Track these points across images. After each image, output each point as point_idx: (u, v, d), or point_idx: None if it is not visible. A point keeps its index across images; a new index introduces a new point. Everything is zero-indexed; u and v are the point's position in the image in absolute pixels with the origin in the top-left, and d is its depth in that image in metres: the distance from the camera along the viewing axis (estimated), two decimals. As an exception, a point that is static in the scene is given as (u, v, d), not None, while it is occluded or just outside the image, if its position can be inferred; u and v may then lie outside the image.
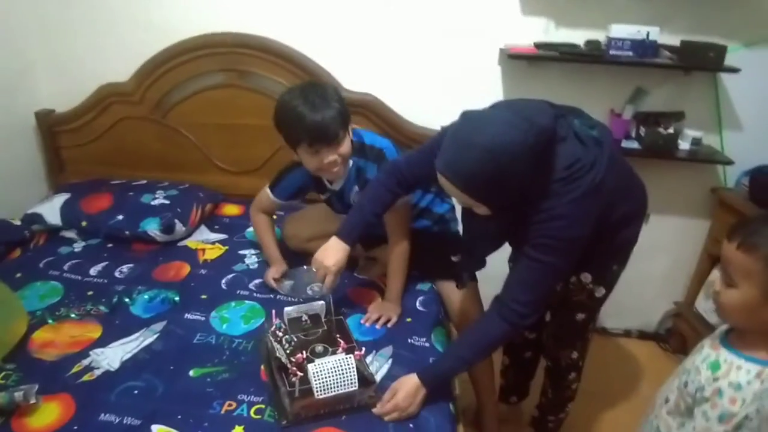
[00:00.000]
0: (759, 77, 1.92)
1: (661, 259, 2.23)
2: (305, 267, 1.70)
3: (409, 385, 1.23)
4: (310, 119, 1.39)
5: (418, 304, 1.64)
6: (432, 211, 1.71)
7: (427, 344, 1.47)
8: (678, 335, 2.29)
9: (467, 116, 1.14)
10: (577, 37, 1.93)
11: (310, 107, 1.40)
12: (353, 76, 2.02)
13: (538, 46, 1.88)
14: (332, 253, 1.41)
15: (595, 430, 1.95)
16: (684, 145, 1.97)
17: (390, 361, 1.39)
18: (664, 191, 2.10)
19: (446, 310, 1.69)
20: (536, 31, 1.95)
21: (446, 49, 1.99)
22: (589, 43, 1.89)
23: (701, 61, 1.82)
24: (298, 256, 1.73)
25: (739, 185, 2.06)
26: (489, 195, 1.13)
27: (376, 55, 2.02)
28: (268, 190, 1.68)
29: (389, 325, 1.53)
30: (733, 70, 1.82)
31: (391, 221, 1.57)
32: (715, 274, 2.06)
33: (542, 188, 1.16)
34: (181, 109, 2.09)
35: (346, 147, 1.48)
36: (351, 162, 1.55)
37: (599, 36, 1.90)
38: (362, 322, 1.53)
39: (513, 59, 1.90)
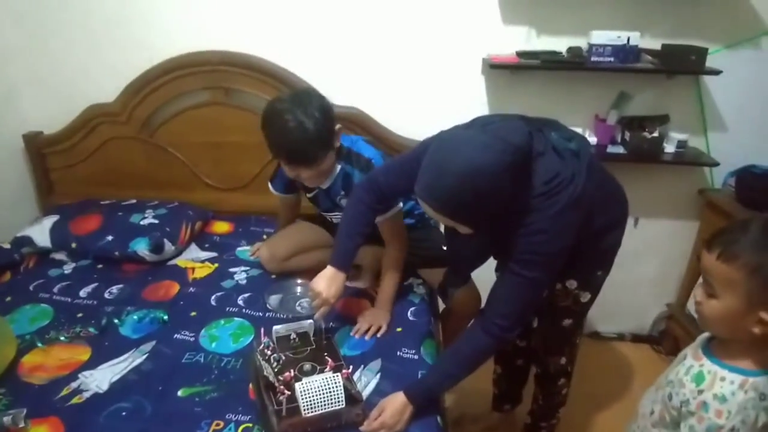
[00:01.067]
0: (741, 78, 1.94)
1: (652, 262, 2.24)
2: (294, 280, 1.72)
3: (397, 402, 1.24)
4: (290, 140, 1.42)
5: (409, 314, 1.64)
6: (414, 212, 1.78)
7: (416, 357, 1.47)
8: (671, 337, 2.29)
9: (442, 139, 1.15)
10: (559, 44, 1.94)
11: (291, 127, 1.41)
12: (338, 90, 2.02)
13: (520, 54, 1.89)
14: (329, 282, 1.41)
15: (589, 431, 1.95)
16: (669, 148, 1.98)
17: (378, 375, 1.39)
18: (651, 194, 2.12)
19: (436, 312, 1.72)
20: (518, 39, 1.96)
21: (430, 61, 2.01)
22: (570, 50, 1.91)
23: (683, 65, 1.83)
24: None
25: (726, 186, 2.07)
26: (469, 216, 1.14)
27: (360, 68, 2.03)
28: (269, 185, 1.79)
29: (379, 334, 1.53)
30: (715, 72, 1.84)
31: (386, 229, 1.60)
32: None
33: (522, 204, 1.17)
34: (168, 128, 2.10)
35: (326, 164, 1.51)
36: (339, 167, 1.59)
37: (581, 42, 1.92)
38: (352, 333, 1.54)
39: (496, 69, 1.91)
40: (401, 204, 1.62)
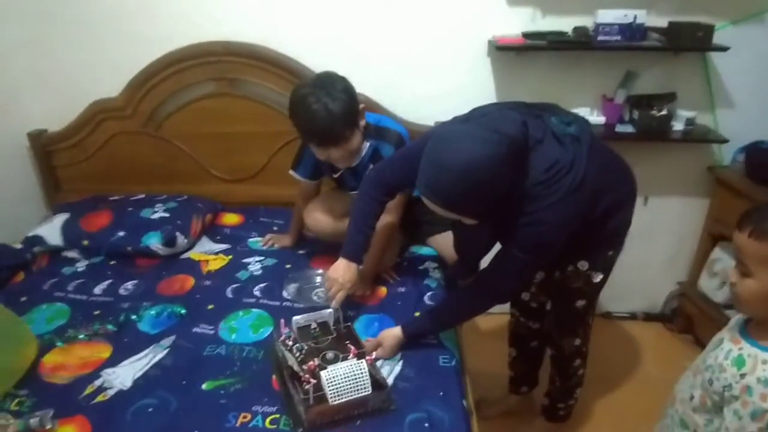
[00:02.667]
0: (748, 54, 1.93)
1: (663, 241, 2.24)
2: (313, 270, 1.73)
3: (395, 337, 1.39)
4: (318, 123, 1.47)
5: (426, 299, 1.65)
6: None
7: (435, 341, 1.48)
8: (683, 315, 2.30)
9: (438, 136, 1.18)
10: (565, 24, 1.93)
11: (317, 109, 1.46)
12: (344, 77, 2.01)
13: (526, 35, 1.88)
14: (344, 271, 1.46)
15: (607, 414, 1.96)
16: (678, 125, 1.98)
17: (401, 362, 1.40)
18: (661, 173, 2.12)
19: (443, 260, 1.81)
20: (524, 20, 1.94)
21: (435, 44, 1.99)
22: (576, 29, 1.89)
23: (690, 42, 1.83)
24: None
25: (735, 162, 2.07)
26: (472, 209, 1.18)
27: (366, 54, 2.02)
28: (291, 172, 1.77)
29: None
30: (722, 49, 1.83)
31: (390, 203, 1.64)
32: (718, 253, 2.09)
33: (523, 193, 1.20)
34: (173, 121, 2.08)
35: (354, 142, 1.57)
36: (367, 144, 1.63)
37: (586, 22, 1.90)
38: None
39: (502, 50, 1.90)
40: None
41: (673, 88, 2.01)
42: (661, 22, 1.89)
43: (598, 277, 1.50)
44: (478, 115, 1.29)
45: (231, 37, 1.97)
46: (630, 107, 2.01)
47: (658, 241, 2.24)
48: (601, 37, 1.82)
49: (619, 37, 1.82)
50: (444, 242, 1.79)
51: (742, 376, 0.96)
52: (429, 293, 1.68)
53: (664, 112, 1.94)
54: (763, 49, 1.94)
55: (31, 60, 2.08)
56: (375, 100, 2.02)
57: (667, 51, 1.90)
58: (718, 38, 1.85)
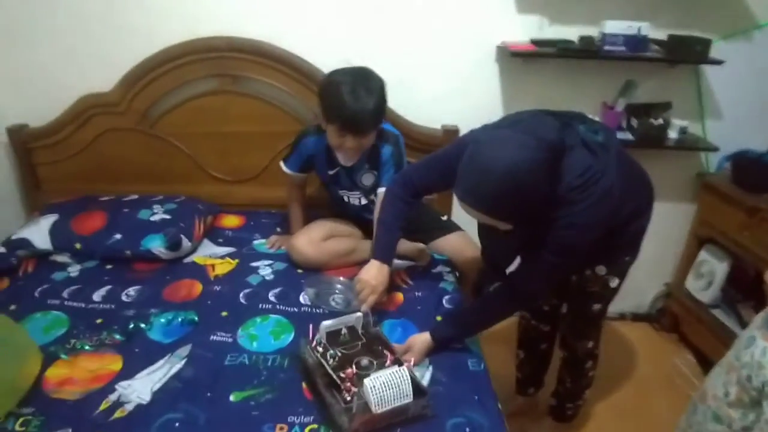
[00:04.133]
0: (736, 67, 2.03)
1: (652, 243, 2.27)
2: (336, 277, 1.70)
3: (425, 343, 1.40)
4: (349, 108, 1.51)
5: (445, 302, 1.65)
6: None
7: (460, 344, 1.47)
8: (670, 315, 2.41)
9: (478, 141, 1.20)
10: (570, 33, 1.97)
11: (353, 97, 1.51)
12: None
13: (535, 43, 1.91)
14: (376, 273, 1.45)
15: (602, 411, 2.02)
16: (673, 134, 2.06)
17: (431, 367, 1.39)
18: (653, 178, 2.19)
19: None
20: (530, 27, 1.97)
21: (443, 48, 1.99)
22: (582, 39, 1.94)
23: (689, 54, 1.91)
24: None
25: (722, 169, 2.18)
26: (511, 214, 1.19)
27: (373, 55, 1.96)
28: (281, 164, 1.80)
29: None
30: (718, 62, 1.93)
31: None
32: (704, 255, 2.19)
33: (559, 197, 1.22)
34: (170, 119, 1.98)
35: (369, 139, 1.62)
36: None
37: (590, 31, 1.95)
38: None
39: (512, 57, 1.92)
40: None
41: (667, 97, 2.09)
42: (660, 34, 1.97)
43: (614, 282, 1.54)
44: (510, 122, 1.30)
45: (232, 32, 1.90)
46: (628, 115, 2.08)
47: (647, 244, 2.29)
48: (607, 47, 1.88)
49: (623, 48, 1.88)
50: (447, 245, 1.83)
51: None
52: (447, 296, 1.68)
53: (660, 121, 2.02)
54: (750, 64, 2.05)
55: (7, 50, 1.93)
56: (383, 102, 1.99)
57: (663, 62, 1.98)
58: (710, 52, 1.94)
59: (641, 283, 2.44)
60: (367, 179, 1.74)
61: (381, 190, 1.68)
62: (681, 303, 2.31)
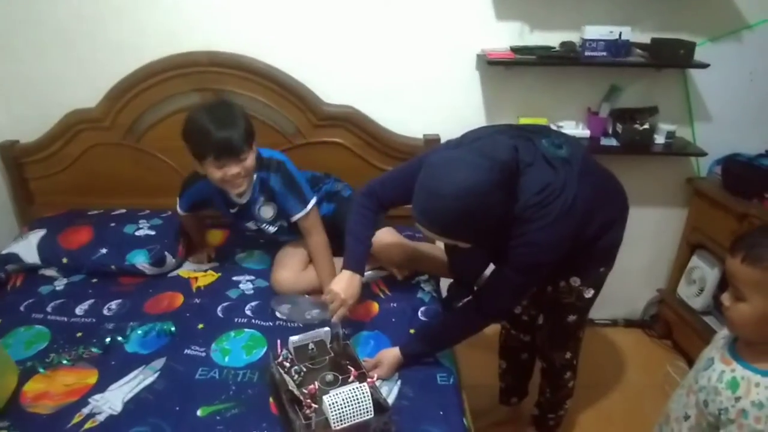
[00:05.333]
0: (725, 69, 1.99)
1: (643, 249, 2.30)
2: (301, 296, 1.71)
3: (393, 358, 1.40)
4: (217, 134, 1.51)
5: (420, 314, 1.65)
6: (340, 194, 1.88)
7: (432, 359, 1.47)
8: (663, 321, 2.37)
9: (431, 164, 1.21)
10: (551, 39, 1.95)
11: (217, 123, 1.52)
12: (332, 89, 2.00)
13: (515, 50, 1.90)
14: (347, 285, 1.44)
15: (592, 419, 2.00)
16: (659, 138, 2.03)
17: (399, 382, 1.39)
18: (641, 184, 2.16)
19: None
20: (511, 34, 1.96)
21: (424, 57, 1.99)
22: (563, 44, 1.92)
23: (672, 59, 1.87)
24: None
25: (712, 174, 2.14)
26: (466, 234, 1.21)
27: (353, 66, 2.00)
28: (177, 208, 1.81)
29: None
30: (702, 66, 1.89)
31: (306, 223, 1.70)
32: (696, 261, 2.16)
33: (516, 216, 1.22)
34: (155, 133, 2.02)
35: (250, 161, 1.60)
36: (255, 176, 1.66)
37: (572, 37, 1.93)
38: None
39: (492, 65, 1.91)
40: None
41: (654, 101, 2.06)
42: (643, 38, 1.94)
43: (589, 293, 1.52)
44: (470, 139, 1.32)
45: (213, 47, 1.92)
46: (613, 120, 2.05)
47: (638, 250, 2.29)
48: (587, 53, 1.86)
49: (605, 53, 1.86)
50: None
51: (737, 399, 0.98)
52: (423, 308, 1.68)
53: (646, 126, 1.99)
54: (739, 65, 2.01)
55: (-2, 68, 1.98)
56: (364, 112, 2.00)
57: (648, 66, 1.95)
58: (697, 55, 1.90)
59: (634, 290, 2.41)
60: (266, 212, 1.73)
61: (296, 219, 1.70)
62: (673, 309, 2.28)
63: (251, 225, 1.78)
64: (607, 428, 1.97)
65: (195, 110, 1.60)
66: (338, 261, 1.73)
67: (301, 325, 1.58)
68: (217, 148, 1.51)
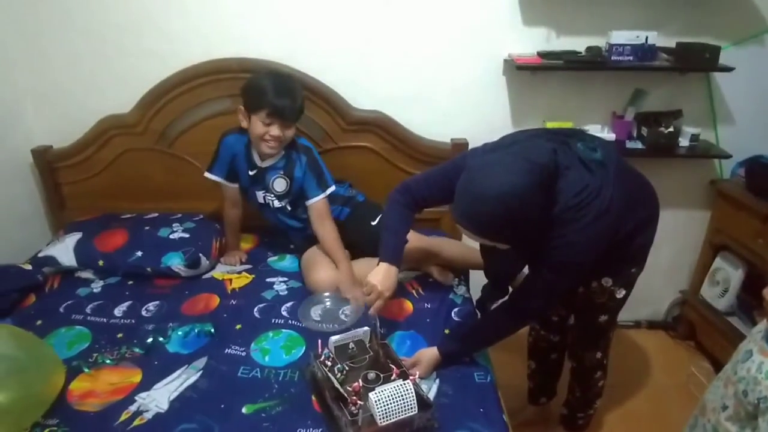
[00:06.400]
0: (748, 73, 2.01)
1: (666, 251, 2.31)
2: (321, 294, 1.72)
3: (432, 357, 1.43)
4: (278, 96, 1.68)
5: (453, 315, 1.67)
6: (355, 199, 1.97)
7: (468, 358, 1.49)
8: (686, 322, 2.38)
9: (471, 167, 1.24)
10: (578, 43, 1.98)
11: (280, 88, 1.70)
12: (361, 95, 2.03)
13: (542, 55, 1.93)
14: (384, 277, 1.45)
15: (617, 419, 2.01)
16: (683, 141, 2.05)
17: (437, 380, 1.42)
18: (665, 187, 2.14)
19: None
20: (538, 39, 1.99)
21: (452, 63, 2.02)
22: (590, 49, 1.95)
23: (697, 62, 1.90)
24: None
25: (735, 176, 2.16)
26: (506, 235, 1.24)
27: (382, 72, 2.03)
28: (207, 174, 1.87)
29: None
30: (727, 69, 1.91)
31: (320, 208, 1.82)
32: (719, 263, 2.17)
33: (554, 217, 1.25)
34: (187, 138, 2.06)
35: (290, 132, 1.76)
36: (283, 151, 1.81)
37: (598, 42, 1.96)
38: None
39: (520, 70, 1.94)
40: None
41: (678, 105, 2.08)
42: (667, 42, 1.96)
43: (621, 293, 1.55)
44: (507, 143, 1.35)
45: (246, 54, 1.96)
46: (638, 124, 2.07)
47: (662, 252, 2.31)
48: (614, 57, 1.88)
49: (631, 58, 1.89)
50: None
51: None
52: (456, 309, 1.70)
53: (671, 129, 2.02)
54: (762, 69, 2.03)
55: (32, 75, 2.02)
56: (392, 116, 2.03)
57: (673, 70, 1.97)
58: (721, 58, 1.93)
59: (657, 291, 2.43)
60: (279, 184, 1.83)
61: (311, 203, 1.82)
62: (697, 310, 2.29)
63: (260, 195, 1.86)
64: (633, 428, 1.98)
65: (266, 72, 1.79)
66: (355, 264, 1.80)
67: (337, 326, 1.60)
68: (273, 107, 1.67)
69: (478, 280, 1.83)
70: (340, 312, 1.66)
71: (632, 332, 2.47)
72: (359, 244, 1.83)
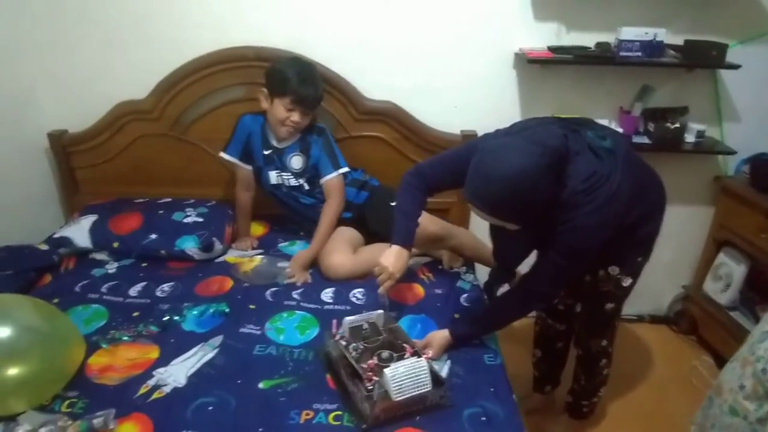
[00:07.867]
0: (754, 71, 2.04)
1: (669, 246, 2.33)
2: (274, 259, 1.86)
3: (443, 339, 1.48)
4: (303, 85, 1.76)
5: (462, 300, 1.71)
6: (370, 183, 2.04)
7: (478, 341, 1.53)
8: (688, 317, 2.42)
9: (484, 149, 1.27)
10: (587, 39, 2.02)
11: (306, 76, 1.78)
12: (373, 85, 2.07)
13: (552, 49, 1.96)
14: (395, 259, 1.48)
15: (620, 409, 2.04)
16: (689, 137, 2.09)
17: (449, 361, 1.45)
18: (670, 182, 2.15)
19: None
20: (548, 34, 2.03)
21: (463, 56, 2.05)
22: (599, 45, 1.99)
23: (704, 60, 1.94)
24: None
25: (739, 172, 2.20)
26: (515, 215, 1.27)
27: (394, 63, 2.06)
28: (222, 154, 1.94)
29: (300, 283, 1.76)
30: (734, 67, 1.95)
31: (332, 184, 1.91)
32: (722, 258, 2.21)
33: (563, 201, 1.28)
34: (201, 125, 2.08)
35: (308, 119, 1.86)
36: (299, 133, 1.90)
37: (608, 38, 2.00)
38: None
39: (529, 63, 1.97)
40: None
41: (684, 101, 2.12)
42: (675, 39, 2.00)
43: (627, 282, 1.58)
44: (519, 128, 1.38)
45: (261, 42, 2.00)
46: (645, 119, 2.11)
47: (665, 247, 2.29)
48: (623, 53, 1.92)
49: (639, 54, 1.92)
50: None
51: None
52: (464, 295, 1.74)
53: (677, 125, 2.05)
54: (767, 67, 2.07)
55: (47, 60, 2.05)
56: (403, 107, 2.07)
57: (680, 67, 2.01)
58: (727, 56, 1.96)
59: (659, 286, 2.46)
60: (297, 162, 1.91)
61: (324, 180, 1.90)
62: (699, 305, 2.33)
63: (274, 175, 1.92)
64: (635, 418, 2.01)
65: (289, 59, 1.86)
66: (368, 249, 1.85)
67: (348, 308, 1.63)
68: (297, 95, 1.76)
69: (485, 268, 1.87)
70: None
71: (635, 326, 2.50)
72: (382, 227, 1.80)
